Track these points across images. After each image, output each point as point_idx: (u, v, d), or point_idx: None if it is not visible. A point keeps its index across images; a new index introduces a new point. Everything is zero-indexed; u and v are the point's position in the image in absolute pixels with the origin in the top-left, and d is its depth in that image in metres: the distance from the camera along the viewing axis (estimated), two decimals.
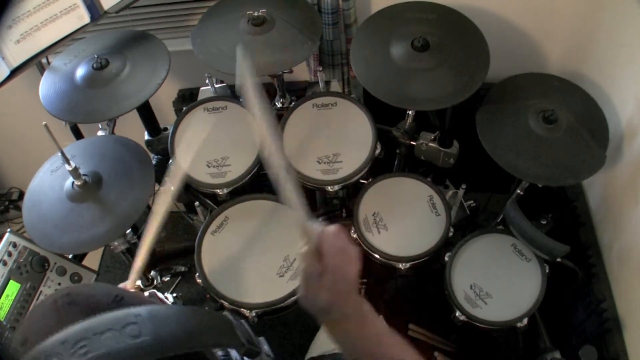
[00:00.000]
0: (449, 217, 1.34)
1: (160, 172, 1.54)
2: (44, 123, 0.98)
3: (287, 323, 1.87)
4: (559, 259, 1.26)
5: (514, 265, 1.31)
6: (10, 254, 1.24)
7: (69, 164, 1.07)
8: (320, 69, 1.51)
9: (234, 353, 0.54)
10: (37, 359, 0.36)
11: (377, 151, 1.34)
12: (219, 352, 0.51)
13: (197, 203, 1.59)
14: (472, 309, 1.26)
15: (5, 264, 1.22)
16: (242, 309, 1.22)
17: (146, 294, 0.62)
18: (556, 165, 1.20)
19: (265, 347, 0.56)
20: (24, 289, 1.24)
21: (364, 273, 1.77)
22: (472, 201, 1.57)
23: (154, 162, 1.53)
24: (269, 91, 1.75)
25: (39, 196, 1.19)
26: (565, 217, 1.51)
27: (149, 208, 1.81)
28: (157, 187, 1.63)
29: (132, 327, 0.37)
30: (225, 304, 1.23)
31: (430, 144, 1.48)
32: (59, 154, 1.05)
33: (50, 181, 1.20)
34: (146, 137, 1.54)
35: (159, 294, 0.54)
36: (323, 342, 1.28)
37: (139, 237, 1.72)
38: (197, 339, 0.38)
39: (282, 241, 1.31)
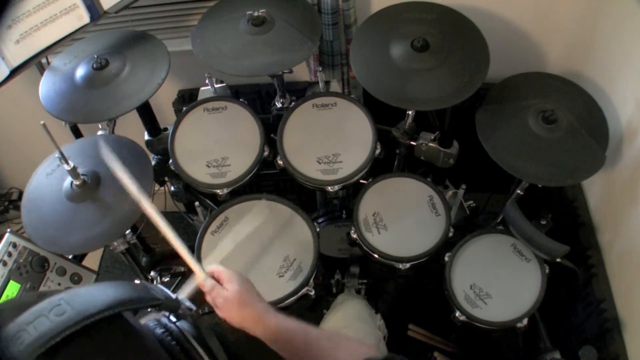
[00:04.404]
0: (448, 217, 1.34)
1: (159, 172, 1.55)
2: (42, 122, 0.97)
3: None
4: (558, 259, 1.26)
5: (513, 266, 1.31)
6: (10, 254, 1.23)
7: (67, 163, 1.07)
8: (320, 69, 1.51)
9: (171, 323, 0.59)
10: None
11: (377, 151, 1.34)
12: (150, 324, 0.58)
13: (197, 203, 1.59)
14: (472, 309, 1.26)
15: (5, 264, 1.22)
16: None
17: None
18: (556, 165, 1.20)
19: (187, 303, 0.62)
20: (24, 289, 1.23)
21: (364, 273, 1.77)
22: (472, 201, 1.57)
23: (153, 162, 1.53)
24: (269, 91, 1.76)
25: (37, 198, 1.19)
26: (565, 217, 1.51)
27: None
28: (156, 187, 1.64)
29: (57, 308, 0.43)
30: None
31: (430, 144, 1.48)
32: (54, 156, 1.05)
33: (47, 183, 1.20)
34: (146, 137, 1.54)
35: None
36: None
37: (140, 238, 1.73)
38: (116, 302, 0.46)
39: (282, 241, 1.31)
